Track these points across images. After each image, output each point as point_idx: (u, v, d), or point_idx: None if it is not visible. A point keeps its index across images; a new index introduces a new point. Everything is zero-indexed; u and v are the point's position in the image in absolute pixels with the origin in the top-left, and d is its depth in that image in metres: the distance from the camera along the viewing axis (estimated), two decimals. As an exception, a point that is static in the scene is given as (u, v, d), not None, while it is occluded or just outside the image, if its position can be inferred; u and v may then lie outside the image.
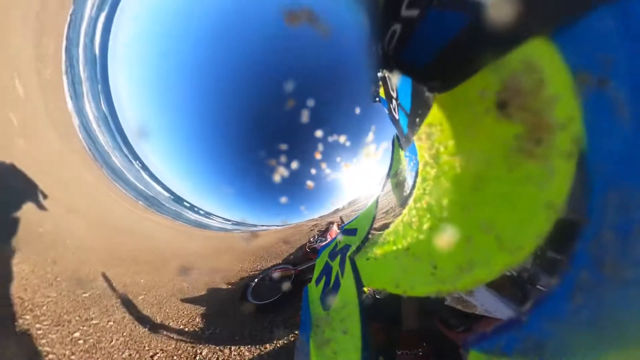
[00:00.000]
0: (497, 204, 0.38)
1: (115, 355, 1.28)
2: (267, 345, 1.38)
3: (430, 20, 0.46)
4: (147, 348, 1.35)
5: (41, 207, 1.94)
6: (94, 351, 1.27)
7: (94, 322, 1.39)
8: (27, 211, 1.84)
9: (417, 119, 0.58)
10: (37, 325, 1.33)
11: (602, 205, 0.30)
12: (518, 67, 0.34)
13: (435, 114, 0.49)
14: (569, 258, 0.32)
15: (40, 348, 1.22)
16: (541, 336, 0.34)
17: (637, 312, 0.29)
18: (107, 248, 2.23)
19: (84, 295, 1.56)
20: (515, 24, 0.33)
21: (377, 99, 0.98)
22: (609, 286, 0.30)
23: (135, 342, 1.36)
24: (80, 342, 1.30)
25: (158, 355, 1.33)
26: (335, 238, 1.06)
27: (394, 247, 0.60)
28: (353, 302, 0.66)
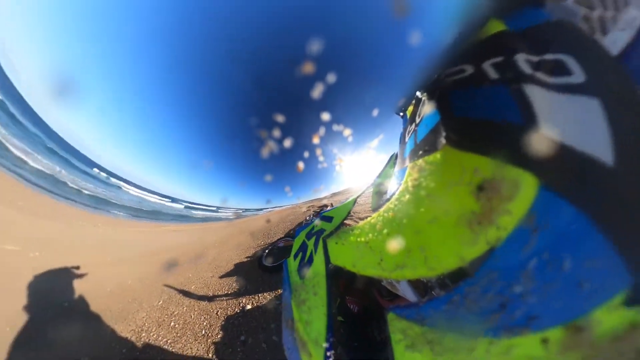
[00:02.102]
0: (435, 239, 0.51)
1: (198, 323, 1.92)
2: (279, 291, 2.10)
3: (496, 92, 0.47)
4: (211, 311, 2.05)
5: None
6: (184, 328, 1.90)
7: (175, 312, 2.07)
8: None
9: (421, 152, 0.64)
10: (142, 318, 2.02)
11: (483, 275, 0.43)
12: (509, 177, 0.43)
13: (436, 157, 0.56)
14: (453, 287, 0.47)
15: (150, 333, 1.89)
16: (424, 316, 0.50)
17: (458, 327, 0.44)
18: (158, 262, 2.94)
19: (160, 302, 2.21)
20: (533, 157, 0.38)
21: (402, 114, 0.97)
22: (461, 311, 0.45)
23: (204, 312, 2.03)
24: (173, 324, 1.91)
25: (218, 312, 2.03)
26: (313, 221, 1.19)
27: (358, 239, 0.74)
28: (321, 273, 0.82)
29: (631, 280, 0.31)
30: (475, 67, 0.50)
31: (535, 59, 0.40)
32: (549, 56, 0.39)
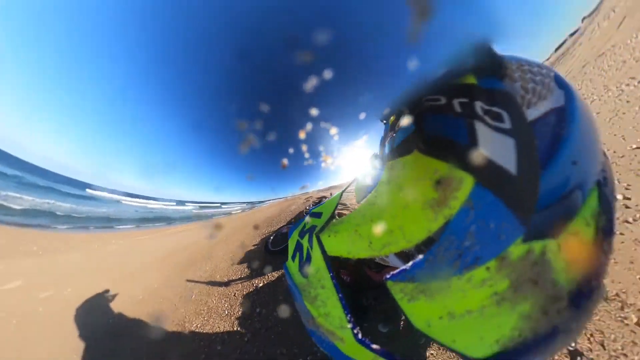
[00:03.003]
0: (409, 220, 0.64)
1: (220, 306, 2.22)
2: (282, 271, 2.39)
3: (456, 121, 0.61)
4: (229, 294, 2.33)
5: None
6: (210, 312, 2.21)
7: (207, 305, 2.32)
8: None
9: (397, 155, 0.76)
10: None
11: (445, 239, 0.56)
12: (456, 176, 0.57)
13: (407, 159, 0.69)
14: (427, 251, 0.60)
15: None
16: (413, 275, 0.63)
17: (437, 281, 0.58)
18: (176, 262, 3.18)
19: (193, 297, 2.46)
20: (474, 164, 0.53)
21: (385, 121, 1.05)
22: (436, 265, 0.59)
23: (224, 296, 2.32)
24: (225, 312, 2.14)
25: (235, 293, 2.31)
26: (303, 220, 1.21)
27: (348, 229, 0.82)
28: (323, 266, 0.87)
29: (524, 229, 0.53)
30: (447, 100, 0.65)
31: (486, 107, 0.59)
32: (494, 109, 0.58)
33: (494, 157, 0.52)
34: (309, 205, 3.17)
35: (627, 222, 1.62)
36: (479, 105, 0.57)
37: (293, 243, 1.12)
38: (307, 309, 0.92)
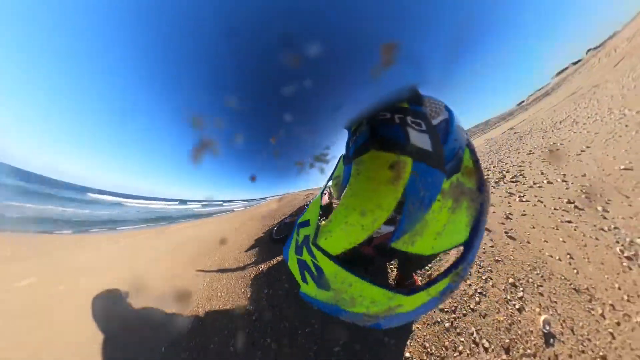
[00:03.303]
0: (381, 197, 0.81)
1: (231, 289, 2.43)
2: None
3: (397, 128, 0.88)
4: (239, 278, 2.55)
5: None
6: (221, 295, 2.43)
7: (219, 288, 2.55)
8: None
9: (359, 153, 0.93)
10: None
11: (408, 199, 0.78)
12: (402, 160, 0.79)
13: (367, 156, 0.88)
14: (402, 210, 0.79)
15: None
16: (403, 230, 0.80)
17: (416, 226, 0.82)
18: (186, 254, 3.36)
19: (204, 284, 2.66)
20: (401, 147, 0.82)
21: (348, 129, 1.21)
22: (411, 214, 0.79)
23: (235, 280, 2.54)
24: (236, 294, 2.33)
25: (251, 276, 2.53)
26: (292, 236, 1.23)
27: (339, 223, 0.91)
28: (337, 269, 0.90)
29: (444, 174, 0.84)
30: (391, 115, 0.93)
31: (412, 119, 0.90)
32: (417, 120, 0.89)
33: (419, 144, 0.84)
34: (308, 202, 3.39)
35: (602, 229, 1.90)
36: (409, 119, 0.90)
37: (295, 265, 1.10)
38: (355, 312, 0.93)
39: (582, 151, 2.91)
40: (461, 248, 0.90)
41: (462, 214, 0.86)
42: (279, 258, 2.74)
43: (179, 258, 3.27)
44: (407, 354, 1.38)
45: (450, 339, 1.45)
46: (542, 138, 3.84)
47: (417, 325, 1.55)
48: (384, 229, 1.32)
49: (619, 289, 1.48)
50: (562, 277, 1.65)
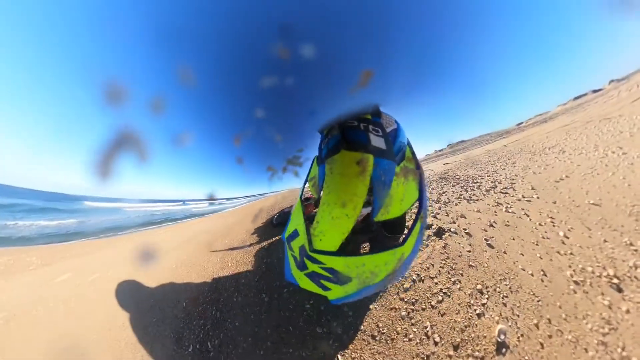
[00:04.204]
0: (355, 187, 0.95)
1: (240, 266, 2.70)
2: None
3: (361, 132, 1.10)
4: (246, 258, 2.81)
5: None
6: (232, 273, 2.77)
7: (229, 266, 2.90)
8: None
9: (331, 153, 1.07)
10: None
11: (374, 183, 1.00)
12: (365, 157, 0.98)
13: (339, 156, 1.02)
14: (374, 194, 1.02)
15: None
16: (379, 206, 1.02)
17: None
18: (197, 243, 3.80)
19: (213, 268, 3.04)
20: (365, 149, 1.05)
21: (321, 132, 1.35)
22: (382, 192, 1.02)
23: (242, 259, 2.79)
24: (244, 270, 2.75)
25: (251, 257, 2.80)
26: (287, 256, 1.23)
27: (326, 220, 1.00)
28: (346, 260, 0.98)
29: (395, 164, 1.12)
30: (358, 123, 1.15)
31: (373, 127, 1.13)
32: (376, 128, 1.13)
33: (377, 145, 1.07)
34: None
35: (559, 253, 1.99)
36: (370, 127, 1.14)
37: (307, 282, 1.08)
38: (380, 281, 1.02)
39: (560, 179, 3.01)
40: (416, 204, 1.22)
41: (411, 184, 1.18)
42: (276, 239, 3.10)
43: (192, 246, 3.61)
44: (361, 327, 1.60)
45: (403, 326, 1.60)
46: (529, 160, 3.92)
47: (375, 306, 1.74)
48: (363, 211, 1.46)
49: (560, 307, 1.59)
50: (531, 291, 1.70)
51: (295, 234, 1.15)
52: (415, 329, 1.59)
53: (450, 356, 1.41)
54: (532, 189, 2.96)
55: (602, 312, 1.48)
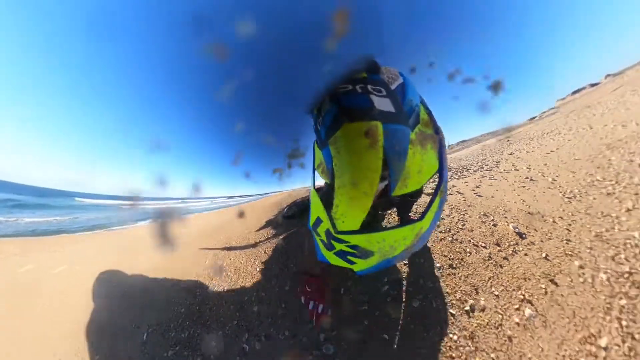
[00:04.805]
0: (368, 161, 0.84)
1: (250, 264, 2.72)
2: (294, 229, 3.11)
3: (360, 96, 0.92)
4: (258, 250, 2.91)
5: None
6: (243, 255, 2.87)
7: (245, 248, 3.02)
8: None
9: (333, 131, 0.93)
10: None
11: (386, 149, 0.83)
12: (373, 125, 0.82)
13: (342, 131, 0.89)
14: (389, 167, 0.87)
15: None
16: (395, 177, 0.90)
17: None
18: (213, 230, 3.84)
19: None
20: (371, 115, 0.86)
21: (313, 111, 1.18)
22: (396, 169, 0.88)
23: (253, 256, 2.81)
24: (256, 257, 2.69)
25: (263, 247, 2.90)
26: (315, 241, 1.24)
27: (345, 203, 0.97)
28: (367, 236, 0.98)
29: (410, 129, 0.98)
30: (352, 86, 0.96)
31: (373, 87, 0.94)
32: (377, 87, 0.94)
33: (383, 108, 0.91)
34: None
35: (549, 188, 2.65)
36: (370, 87, 0.95)
37: (336, 259, 1.11)
38: (398, 254, 1.06)
39: (551, 151, 3.73)
40: (436, 175, 1.11)
41: (430, 152, 1.05)
42: (290, 233, 3.17)
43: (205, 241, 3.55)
44: (437, 264, 1.85)
45: (457, 247, 1.98)
46: (527, 144, 4.59)
47: (429, 244, 2.04)
48: (380, 186, 1.47)
49: (548, 208, 2.31)
50: (518, 209, 2.34)
51: (318, 221, 1.14)
52: (465, 245, 2.00)
53: (490, 254, 1.87)
54: (513, 166, 3.60)
55: (587, 210, 2.13)
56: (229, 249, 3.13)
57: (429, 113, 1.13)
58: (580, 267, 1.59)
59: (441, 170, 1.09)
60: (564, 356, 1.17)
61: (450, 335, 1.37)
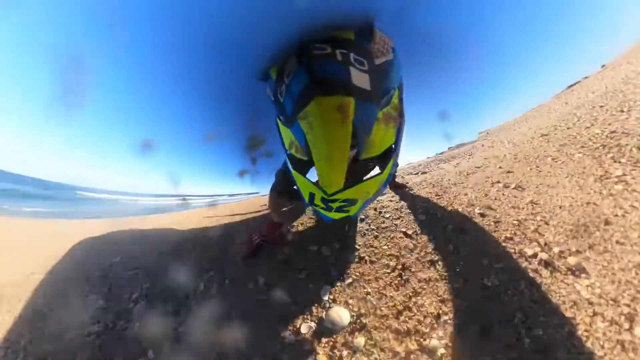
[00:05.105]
0: (340, 135, 0.88)
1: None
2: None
3: (338, 65, 0.84)
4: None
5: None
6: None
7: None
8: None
9: (302, 105, 0.88)
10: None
11: (355, 126, 0.86)
12: (345, 101, 0.83)
13: (313, 105, 0.86)
14: (357, 138, 0.91)
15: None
16: (362, 148, 1.02)
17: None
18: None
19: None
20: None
21: (267, 76, 1.08)
22: (363, 138, 0.95)
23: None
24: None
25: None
26: (316, 210, 1.32)
27: (326, 172, 1.02)
28: (353, 189, 1.09)
29: (379, 107, 0.98)
30: (332, 49, 0.86)
31: (356, 57, 0.87)
32: (360, 58, 0.87)
33: (360, 85, 0.86)
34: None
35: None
36: (352, 56, 0.86)
37: (337, 214, 1.27)
38: (370, 197, 1.24)
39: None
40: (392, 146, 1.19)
41: (390, 130, 1.09)
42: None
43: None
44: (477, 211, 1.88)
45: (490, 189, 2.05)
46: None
47: (466, 190, 2.12)
48: (351, 153, 1.43)
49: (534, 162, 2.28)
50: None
51: (312, 195, 1.22)
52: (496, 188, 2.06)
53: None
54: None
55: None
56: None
57: (401, 99, 1.15)
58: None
59: (396, 143, 1.19)
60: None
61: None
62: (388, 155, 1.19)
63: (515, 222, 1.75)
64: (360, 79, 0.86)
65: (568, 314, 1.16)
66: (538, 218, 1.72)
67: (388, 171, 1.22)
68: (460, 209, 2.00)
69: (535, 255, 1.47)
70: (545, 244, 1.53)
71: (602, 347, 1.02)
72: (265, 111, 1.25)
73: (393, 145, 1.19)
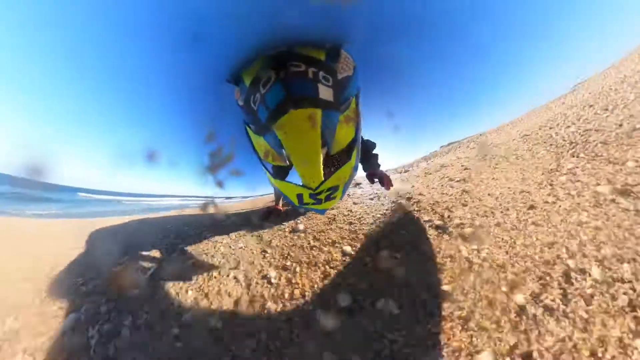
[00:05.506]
0: (311, 140, 1.02)
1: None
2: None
3: (309, 83, 0.99)
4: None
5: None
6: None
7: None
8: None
9: (277, 116, 0.99)
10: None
11: (323, 128, 1.02)
12: (314, 112, 0.98)
13: (288, 116, 0.99)
14: (327, 140, 1.11)
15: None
16: (330, 146, 1.18)
17: None
18: None
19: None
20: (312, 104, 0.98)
21: (236, 81, 1.13)
22: (330, 137, 1.14)
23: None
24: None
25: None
26: (309, 208, 1.42)
27: (306, 171, 1.15)
28: (333, 177, 1.19)
29: (340, 112, 1.12)
30: (305, 67, 1.01)
31: (324, 74, 1.02)
32: (327, 75, 1.02)
33: (325, 97, 1.02)
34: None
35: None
36: (321, 74, 1.01)
37: (328, 204, 1.37)
38: (348, 181, 1.34)
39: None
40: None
41: (351, 128, 1.23)
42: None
43: None
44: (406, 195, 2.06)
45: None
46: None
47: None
48: (322, 151, 1.50)
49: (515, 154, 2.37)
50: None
51: (300, 196, 1.30)
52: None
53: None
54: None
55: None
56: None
57: (357, 104, 1.27)
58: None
59: (356, 136, 1.31)
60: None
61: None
62: (352, 147, 1.33)
63: (432, 202, 1.88)
64: (325, 93, 1.02)
65: (438, 263, 1.32)
66: (458, 202, 1.81)
67: (354, 158, 1.33)
68: (398, 195, 2.13)
69: (430, 221, 1.62)
70: (448, 216, 1.65)
71: (465, 295, 1.12)
72: (224, 124, 1.37)
73: (354, 139, 1.35)
